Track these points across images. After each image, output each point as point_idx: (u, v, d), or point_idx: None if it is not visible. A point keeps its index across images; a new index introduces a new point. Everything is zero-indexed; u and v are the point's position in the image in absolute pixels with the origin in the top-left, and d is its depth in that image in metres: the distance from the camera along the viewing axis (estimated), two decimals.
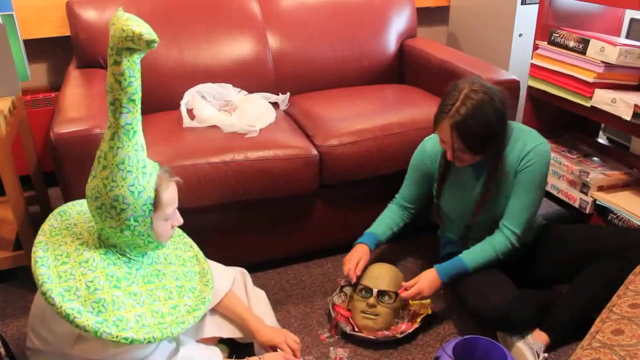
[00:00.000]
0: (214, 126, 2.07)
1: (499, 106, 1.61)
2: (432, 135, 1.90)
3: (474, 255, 1.77)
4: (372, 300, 1.78)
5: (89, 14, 2.28)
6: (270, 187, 1.97)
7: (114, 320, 1.23)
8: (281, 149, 1.98)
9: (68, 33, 2.42)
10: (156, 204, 1.30)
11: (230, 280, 1.65)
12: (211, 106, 2.16)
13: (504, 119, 1.66)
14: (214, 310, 1.62)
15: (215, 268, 1.64)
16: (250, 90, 2.38)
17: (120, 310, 1.25)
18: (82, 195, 1.75)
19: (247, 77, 2.42)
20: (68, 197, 1.78)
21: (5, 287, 2.09)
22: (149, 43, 1.15)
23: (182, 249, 1.59)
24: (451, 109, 1.61)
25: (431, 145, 1.89)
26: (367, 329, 1.79)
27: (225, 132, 2.04)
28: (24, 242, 2.02)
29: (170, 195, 1.35)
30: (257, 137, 2.01)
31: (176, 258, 1.51)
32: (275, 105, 2.36)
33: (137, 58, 1.20)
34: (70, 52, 2.46)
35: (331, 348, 1.78)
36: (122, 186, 1.25)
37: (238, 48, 2.43)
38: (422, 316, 1.84)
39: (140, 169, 1.27)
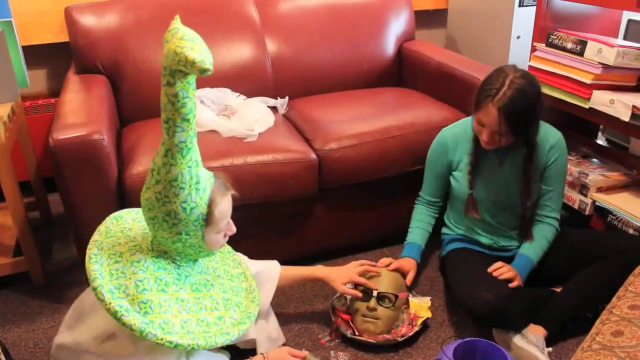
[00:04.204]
0: (213, 131, 2.07)
1: (538, 90, 1.70)
2: (450, 126, 1.97)
3: (535, 250, 1.86)
4: (372, 302, 1.77)
5: (88, 20, 2.28)
6: (270, 191, 1.97)
7: (159, 323, 1.24)
8: (280, 153, 1.98)
9: (67, 39, 2.42)
10: (208, 219, 1.30)
11: (274, 263, 1.74)
12: (210, 111, 2.16)
13: (542, 102, 1.72)
14: None
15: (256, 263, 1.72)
16: (249, 94, 2.38)
17: (166, 313, 1.26)
18: (81, 200, 1.76)
19: (246, 81, 2.42)
20: (68, 202, 1.79)
21: (6, 293, 2.09)
22: (202, 71, 1.10)
23: (231, 264, 1.60)
24: (497, 92, 1.66)
25: (451, 135, 1.93)
26: (368, 333, 1.78)
27: (224, 136, 2.04)
28: (23, 248, 2.02)
29: (224, 210, 1.34)
30: (256, 142, 2.01)
31: (224, 272, 1.52)
32: (274, 109, 2.37)
33: (191, 79, 1.16)
34: (69, 57, 2.46)
35: (332, 352, 1.78)
36: (175, 202, 1.24)
37: (236, 52, 2.43)
38: (422, 319, 1.84)
39: (194, 185, 1.25)
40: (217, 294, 1.42)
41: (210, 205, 1.29)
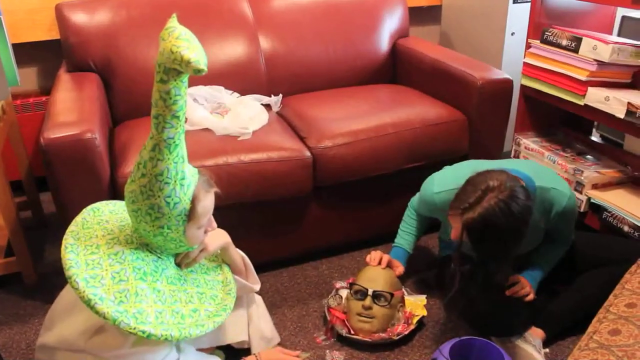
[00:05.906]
0: (207, 129, 2.05)
1: (517, 221, 1.47)
2: (439, 189, 1.75)
3: (547, 262, 1.81)
4: (367, 301, 1.77)
5: (79, 17, 2.26)
6: (264, 189, 1.96)
7: (133, 312, 1.24)
8: (274, 151, 1.96)
9: (58, 36, 2.40)
10: (191, 214, 1.31)
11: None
12: (203, 109, 2.15)
13: (522, 231, 1.50)
14: None
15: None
16: (243, 92, 2.37)
17: (141, 303, 1.26)
18: (73, 200, 1.74)
19: (239, 79, 2.40)
20: (60, 202, 1.77)
21: None
22: (197, 72, 1.12)
23: (207, 257, 1.59)
24: (468, 209, 1.46)
25: (441, 202, 1.71)
26: (363, 332, 1.78)
27: (218, 134, 2.03)
28: (15, 249, 2.00)
29: (206, 207, 1.35)
30: (250, 140, 2.00)
31: (199, 266, 1.52)
32: (267, 107, 2.35)
33: (184, 77, 1.18)
34: (60, 55, 2.44)
35: (327, 351, 1.77)
36: (159, 196, 1.25)
37: (230, 50, 2.41)
38: (418, 317, 1.83)
39: (179, 181, 1.27)
40: (191, 288, 1.42)
41: (194, 201, 1.31)
